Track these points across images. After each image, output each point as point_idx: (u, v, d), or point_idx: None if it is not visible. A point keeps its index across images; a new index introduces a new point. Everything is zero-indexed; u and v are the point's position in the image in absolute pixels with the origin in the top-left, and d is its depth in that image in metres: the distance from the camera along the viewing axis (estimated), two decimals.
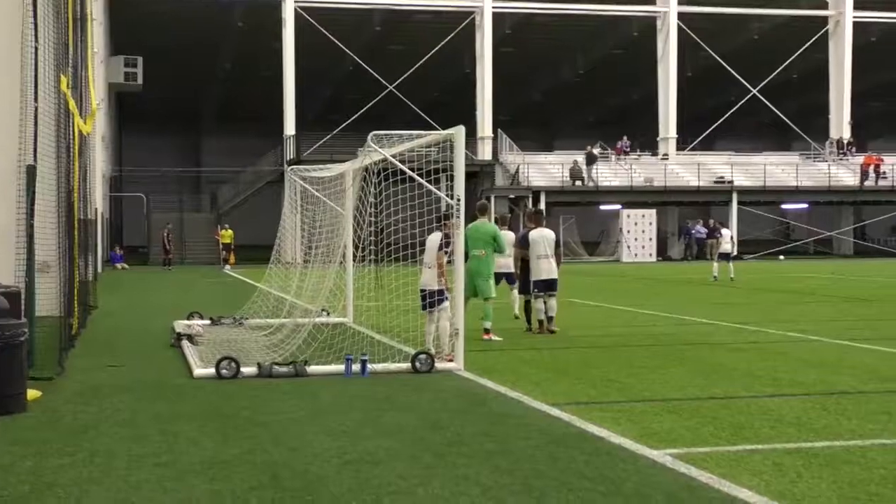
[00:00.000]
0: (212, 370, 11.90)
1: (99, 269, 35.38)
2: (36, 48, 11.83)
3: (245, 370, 11.94)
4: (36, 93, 11.76)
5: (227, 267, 47.26)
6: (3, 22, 12.73)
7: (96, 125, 28.31)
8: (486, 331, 15.84)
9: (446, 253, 13.45)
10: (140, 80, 50.03)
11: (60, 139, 13.67)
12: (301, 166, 25.25)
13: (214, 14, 56.59)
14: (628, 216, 52.55)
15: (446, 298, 13.35)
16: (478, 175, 51.79)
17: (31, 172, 11.46)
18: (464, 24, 54.03)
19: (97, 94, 26.62)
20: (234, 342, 15.00)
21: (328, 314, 16.91)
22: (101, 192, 40.77)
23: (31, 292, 11.42)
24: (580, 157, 56.33)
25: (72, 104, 14.34)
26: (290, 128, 51.92)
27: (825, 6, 55.94)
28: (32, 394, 10.05)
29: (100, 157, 37.28)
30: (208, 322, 18.11)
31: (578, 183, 53.36)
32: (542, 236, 16.65)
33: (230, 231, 50.95)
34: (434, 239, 13.81)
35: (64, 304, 14.07)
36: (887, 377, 11.84)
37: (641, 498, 6.42)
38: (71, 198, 14.24)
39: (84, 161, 18.94)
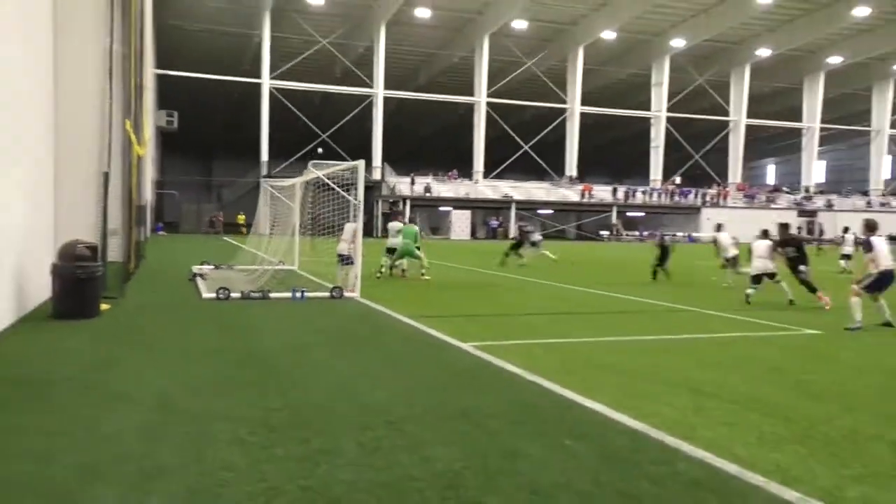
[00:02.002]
0: (213, 294, 11.68)
1: (148, 235, 33.18)
2: (111, 104, 11.64)
3: (233, 295, 11.67)
4: (111, 129, 11.57)
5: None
6: (95, 88, 12.04)
7: (148, 150, 26.56)
8: (423, 273, 15.99)
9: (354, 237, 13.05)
10: (175, 125, 49.20)
11: (125, 157, 13.24)
12: (270, 179, 25.57)
13: (220, 88, 55.63)
14: (455, 214, 54.07)
15: (352, 261, 13.06)
16: (372, 188, 51.31)
17: (105, 177, 11.15)
18: (367, 101, 54.09)
19: (148, 131, 24.46)
20: (228, 279, 14.39)
21: (283, 264, 16.26)
22: (149, 189, 38.43)
23: (104, 247, 10.94)
24: (430, 180, 60.62)
25: (132, 136, 13.59)
26: (264, 155, 51.57)
27: (564, 102, 58.13)
28: (104, 306, 9.75)
29: (149, 168, 35.26)
30: (213, 266, 17.32)
31: (429, 194, 54.61)
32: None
33: (243, 215, 51.22)
34: (349, 225, 13.51)
35: (125, 255, 13.66)
36: (592, 305, 12.10)
37: (454, 368, 6.65)
38: (130, 191, 13.65)
39: (140, 171, 17.28)
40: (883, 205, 64.92)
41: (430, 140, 78.33)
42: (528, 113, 61.57)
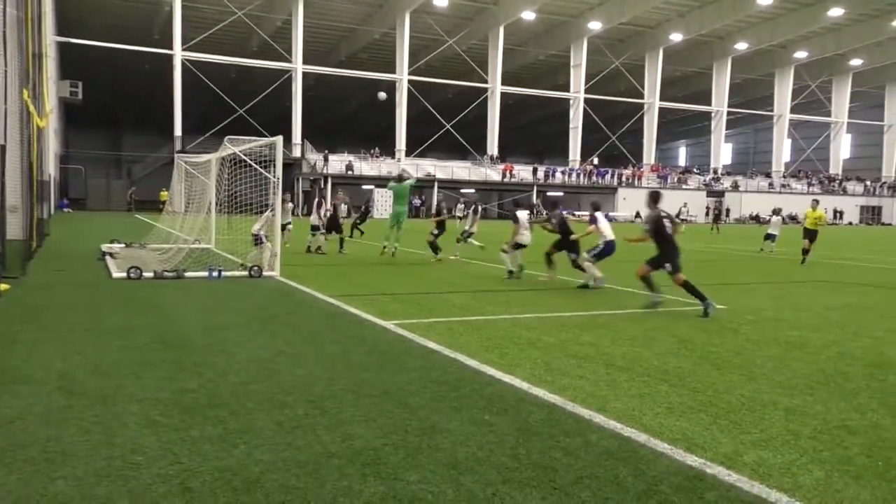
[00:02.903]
0: (124, 274, 11.32)
1: (52, 212, 32.83)
2: (6, 72, 11.01)
3: (146, 274, 11.30)
4: (5, 98, 10.85)
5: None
6: None
7: (50, 122, 26.37)
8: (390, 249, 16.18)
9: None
10: (80, 96, 47.62)
11: (23, 129, 12.81)
12: (185, 154, 24.11)
13: (131, 58, 52.91)
14: (378, 193, 53.07)
15: (265, 240, 12.93)
16: (292, 165, 50.99)
17: (1, 150, 10.46)
18: (285, 76, 53.14)
19: (50, 103, 24.45)
20: (140, 258, 14.10)
21: (199, 242, 15.56)
22: (53, 163, 37.96)
23: (2, 223, 10.50)
24: (353, 158, 60.01)
25: (31, 107, 13.13)
26: (178, 130, 49.80)
27: (486, 81, 58.52)
28: (3, 287, 9.37)
29: (52, 141, 34.65)
30: (123, 245, 16.97)
31: (350, 172, 54.44)
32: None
33: (166, 192, 51.04)
34: (267, 213, 13.30)
35: (26, 232, 13.35)
36: (512, 283, 12.12)
37: (375, 346, 6.61)
38: (31, 166, 13.21)
39: (41, 144, 17.42)
40: (784, 186, 68.58)
41: (351, 117, 77.59)
42: (450, 91, 61.78)
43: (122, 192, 56.42)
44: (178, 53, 50.47)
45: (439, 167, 58.92)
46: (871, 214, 69.06)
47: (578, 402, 4.90)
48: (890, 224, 67.02)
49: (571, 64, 61.25)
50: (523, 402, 4.92)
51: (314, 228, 18.06)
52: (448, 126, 58.44)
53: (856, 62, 66.65)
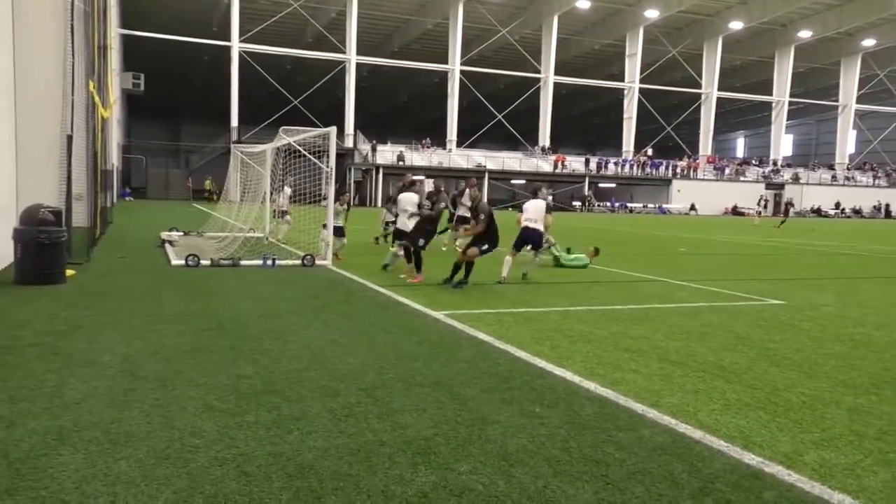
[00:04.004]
0: (182, 261, 11.57)
1: (115, 200, 33.16)
2: (73, 63, 11.08)
3: (203, 262, 11.53)
4: (73, 89, 11.03)
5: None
6: (56, 47, 11.81)
7: (114, 113, 26.78)
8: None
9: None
10: (142, 88, 48.27)
11: (89, 120, 13.09)
12: (241, 145, 24.85)
13: (191, 50, 54.75)
14: (428, 183, 54.15)
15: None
16: (345, 155, 51.32)
17: (69, 140, 10.75)
18: (339, 67, 53.37)
19: (114, 94, 24.70)
20: (197, 246, 14.36)
21: (254, 231, 15.76)
22: (116, 153, 38.57)
23: (69, 211, 10.68)
24: (404, 149, 60.40)
25: (96, 98, 13.44)
26: (234, 121, 50.59)
27: (538, 71, 57.81)
28: (70, 272, 9.61)
29: (115, 132, 34.96)
30: (182, 233, 17.23)
31: (402, 163, 53.99)
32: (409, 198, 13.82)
33: (209, 181, 51.02)
34: (287, 189, 13.76)
35: (91, 219, 13.72)
36: (563, 274, 11.87)
37: (426, 336, 6.62)
38: (95, 155, 13.46)
39: (105, 134, 17.68)
40: (848, 178, 66.15)
41: (403, 108, 77.79)
42: (502, 82, 61.40)
43: (180, 182, 57.90)
44: (236, 45, 51.36)
45: (490, 158, 58.60)
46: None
47: (631, 397, 4.82)
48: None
49: (627, 53, 60.08)
50: (575, 396, 4.86)
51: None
52: (500, 116, 58.05)
53: None
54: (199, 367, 5.29)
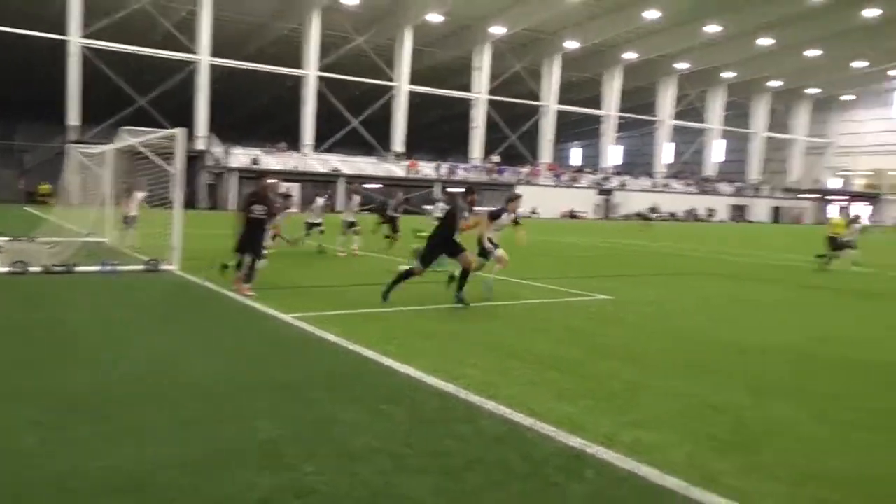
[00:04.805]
0: (8, 268, 10.53)
1: None
2: None
3: (32, 269, 10.55)
4: None
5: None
6: None
7: None
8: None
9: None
10: None
11: None
12: (80, 145, 22.88)
13: (20, 42, 49.23)
14: (284, 186, 54.83)
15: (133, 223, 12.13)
16: (197, 158, 48.67)
17: None
18: (190, 67, 51.40)
19: None
20: (27, 251, 12.79)
21: (93, 236, 14.84)
22: None
23: None
24: (259, 152, 58.25)
25: None
26: (72, 119, 47.01)
27: (392, 80, 57.89)
28: None
29: None
30: (9, 238, 15.60)
31: (256, 166, 51.23)
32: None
33: (47, 185, 45.24)
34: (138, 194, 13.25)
35: None
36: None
37: (275, 340, 6.53)
38: None
39: None
40: (665, 185, 71.87)
41: (262, 111, 74.96)
42: (358, 88, 60.72)
43: (12, 183, 52.46)
44: (75, 40, 47.34)
45: (346, 162, 57.98)
46: (739, 212, 73.44)
47: (472, 390, 4.92)
48: (752, 221, 71.45)
49: (474, 66, 61.81)
50: (419, 392, 4.91)
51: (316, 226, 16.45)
52: (355, 123, 57.72)
53: (728, 75, 70.68)
54: (26, 380, 4.83)
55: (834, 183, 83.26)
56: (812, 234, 41.70)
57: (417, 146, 67.99)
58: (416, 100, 61.57)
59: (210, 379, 5.01)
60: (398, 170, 59.11)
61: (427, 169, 61.62)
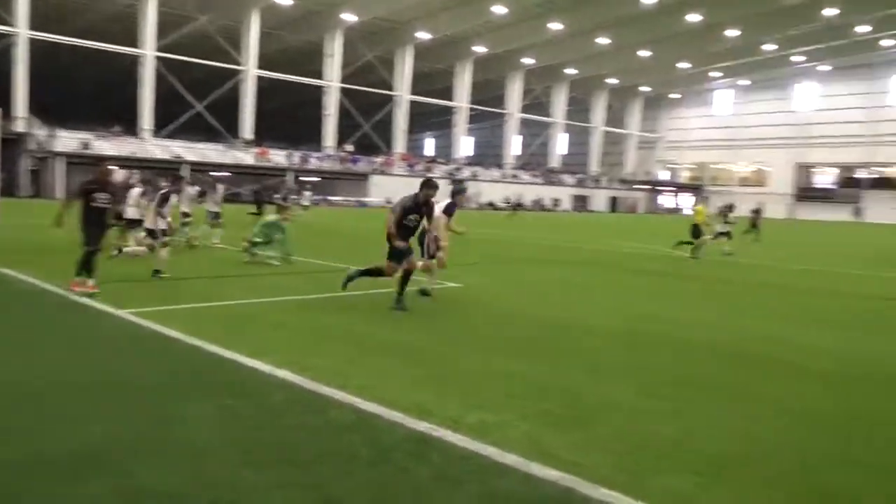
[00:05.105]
0: None
1: None
2: None
3: None
4: None
5: None
6: None
7: None
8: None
9: None
10: None
11: None
12: None
13: None
14: (119, 174, 50.92)
15: None
16: (16, 141, 44.22)
17: None
18: (7, 41, 46.14)
19: None
20: None
21: None
22: None
23: None
24: (91, 136, 53.69)
25: None
26: None
27: (240, 63, 55.98)
28: None
29: None
30: None
31: (88, 151, 47.46)
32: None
33: None
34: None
35: None
36: (261, 268, 11.34)
37: (109, 337, 6.15)
38: None
39: None
40: (513, 176, 74.81)
41: (91, 93, 69.19)
42: (202, 71, 57.83)
43: None
44: None
45: (189, 149, 54.89)
46: (581, 202, 78.07)
47: (321, 381, 4.91)
48: (593, 211, 76.32)
49: (325, 53, 60.82)
50: (267, 385, 4.83)
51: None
52: (199, 107, 54.93)
53: (570, 71, 74.68)
54: None
55: (663, 175, 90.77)
56: (647, 224, 45.19)
57: (268, 133, 65.92)
58: (265, 85, 59.68)
59: (31, 381, 4.63)
60: (247, 157, 57.00)
61: (278, 157, 59.92)
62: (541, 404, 4.66)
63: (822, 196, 75.66)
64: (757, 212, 22.19)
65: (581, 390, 5.08)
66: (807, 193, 76.03)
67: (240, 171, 57.81)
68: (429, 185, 8.07)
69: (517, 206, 46.56)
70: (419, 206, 7.96)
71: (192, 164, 52.81)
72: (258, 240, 12.68)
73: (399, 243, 7.91)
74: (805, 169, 79.49)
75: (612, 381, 5.37)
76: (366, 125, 64.98)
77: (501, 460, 3.63)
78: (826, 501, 3.32)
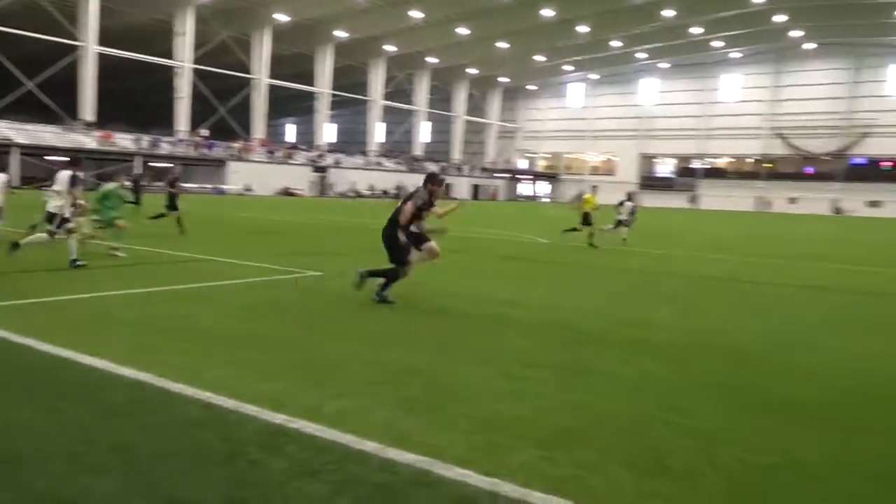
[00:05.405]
0: None
1: None
2: None
3: None
4: None
5: None
6: None
7: None
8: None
9: None
10: None
11: None
12: None
13: None
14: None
15: None
16: None
17: None
18: None
19: None
20: None
21: None
22: None
23: None
24: None
25: None
26: None
27: (77, 39, 51.88)
28: None
29: None
30: None
31: None
32: None
33: None
34: None
35: None
36: (113, 259, 10.48)
37: None
38: None
39: None
40: (377, 164, 74.66)
41: None
42: (36, 46, 52.62)
43: None
44: None
45: (19, 130, 49.97)
46: (444, 190, 79.46)
47: (169, 377, 4.63)
48: (455, 198, 77.89)
49: (176, 31, 57.38)
50: (107, 384, 4.49)
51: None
52: (31, 85, 50.09)
53: (432, 60, 75.42)
54: None
55: (522, 164, 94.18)
56: (508, 211, 46.61)
57: (116, 116, 61.53)
58: (111, 64, 55.36)
59: None
60: (89, 141, 52.74)
61: (125, 141, 56.00)
62: (399, 389, 4.67)
63: (664, 184, 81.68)
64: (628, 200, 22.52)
65: (438, 374, 5.14)
66: (650, 182, 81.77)
67: (81, 156, 53.38)
68: (434, 181, 8.02)
69: (397, 195, 46.65)
70: (430, 201, 7.87)
71: (23, 146, 48.30)
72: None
73: (403, 238, 7.82)
74: (648, 159, 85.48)
75: (468, 363, 5.49)
76: (222, 109, 62.23)
77: (360, 447, 3.60)
78: (658, 465, 3.57)
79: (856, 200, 71.06)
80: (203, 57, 59.08)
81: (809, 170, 75.24)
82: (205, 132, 61.83)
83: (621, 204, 19.60)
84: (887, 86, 71.03)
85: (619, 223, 19.17)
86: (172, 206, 16.59)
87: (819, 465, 3.67)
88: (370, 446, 3.61)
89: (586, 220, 17.69)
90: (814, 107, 73.53)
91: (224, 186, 57.80)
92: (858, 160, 72.35)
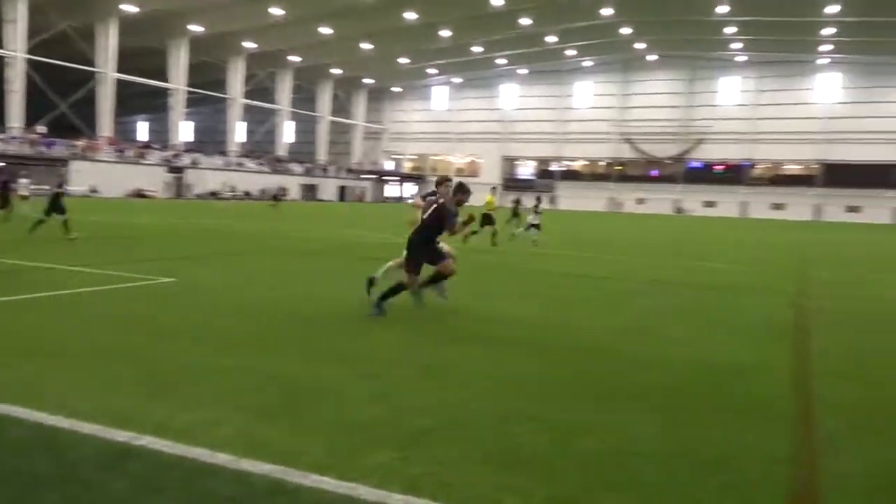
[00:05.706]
0: None
1: None
2: None
3: None
4: None
5: None
6: None
7: None
8: None
9: None
10: None
11: None
12: None
13: None
14: None
15: None
16: None
17: None
18: None
19: None
20: None
21: None
22: None
23: None
24: None
25: None
26: None
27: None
28: None
29: None
30: None
31: None
32: None
33: None
34: None
35: None
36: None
37: None
38: None
39: None
40: (239, 164, 72.07)
41: None
42: None
43: None
44: None
45: None
46: (310, 192, 77.95)
47: (0, 399, 4.20)
48: (322, 200, 76.76)
49: (5, 18, 52.36)
50: None
51: None
52: None
53: (294, 59, 73.84)
54: None
55: (389, 165, 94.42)
56: (376, 212, 46.55)
57: None
58: None
59: None
60: None
61: None
62: (255, 396, 4.52)
63: (525, 186, 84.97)
64: (517, 202, 23.22)
65: (295, 379, 5.03)
66: (512, 183, 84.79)
67: None
68: (463, 191, 7.83)
69: (277, 197, 45.88)
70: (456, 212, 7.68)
71: None
72: None
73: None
74: (510, 161, 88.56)
75: (329, 366, 5.41)
76: (63, 104, 57.49)
77: (211, 461, 3.44)
78: (515, 458, 3.69)
79: (694, 201, 77.61)
80: (39, 47, 54.37)
81: (654, 172, 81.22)
82: (42, 129, 56.88)
83: (536, 207, 19.96)
84: (718, 96, 78.09)
85: (532, 226, 19.55)
86: (54, 209, 15.29)
87: (659, 452, 3.93)
88: (222, 458, 3.46)
89: (487, 220, 17.96)
90: (657, 114, 79.45)
91: (67, 188, 53.32)
92: (695, 164, 79.04)
